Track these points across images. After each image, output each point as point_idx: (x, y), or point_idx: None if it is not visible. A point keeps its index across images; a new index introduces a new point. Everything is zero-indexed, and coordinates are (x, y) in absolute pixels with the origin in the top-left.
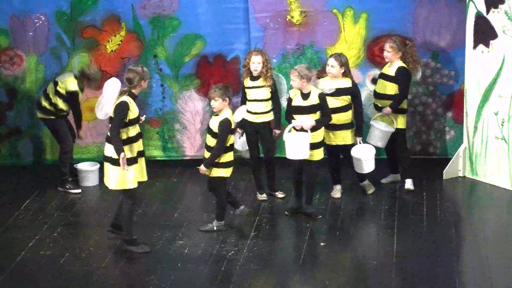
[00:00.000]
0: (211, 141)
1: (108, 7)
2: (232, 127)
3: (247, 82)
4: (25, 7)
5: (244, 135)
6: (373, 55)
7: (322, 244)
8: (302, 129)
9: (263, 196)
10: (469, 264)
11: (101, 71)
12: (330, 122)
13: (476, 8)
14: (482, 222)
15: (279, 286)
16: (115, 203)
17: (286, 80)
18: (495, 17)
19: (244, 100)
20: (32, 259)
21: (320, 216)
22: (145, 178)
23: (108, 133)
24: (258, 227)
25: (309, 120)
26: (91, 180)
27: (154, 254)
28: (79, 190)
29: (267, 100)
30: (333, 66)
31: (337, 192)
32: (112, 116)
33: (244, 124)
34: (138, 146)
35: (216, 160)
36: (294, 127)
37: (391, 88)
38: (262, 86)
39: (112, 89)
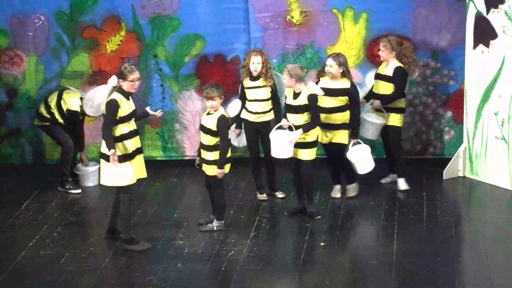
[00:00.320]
0: (208, 140)
1: (108, 7)
2: (230, 123)
3: (247, 83)
4: (25, 7)
5: (244, 135)
6: (373, 55)
7: (322, 244)
8: (290, 129)
9: (263, 196)
10: (469, 264)
11: (101, 71)
12: (327, 122)
13: (476, 8)
14: (482, 222)
15: (279, 286)
16: None
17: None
18: (495, 17)
19: (242, 101)
20: (32, 259)
21: (319, 217)
22: (145, 174)
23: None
24: (258, 227)
25: (297, 132)
26: (91, 180)
27: (154, 254)
28: (79, 190)
29: (267, 100)
30: (331, 66)
31: (337, 192)
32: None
33: (243, 124)
34: (134, 143)
35: (211, 159)
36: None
37: (387, 88)
38: (262, 86)
39: (102, 87)
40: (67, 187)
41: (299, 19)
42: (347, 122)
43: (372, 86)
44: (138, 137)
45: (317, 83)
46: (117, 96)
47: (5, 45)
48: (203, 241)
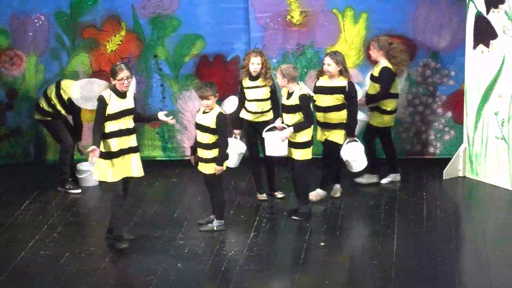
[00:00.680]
0: (208, 138)
1: (108, 7)
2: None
3: (246, 82)
4: (25, 7)
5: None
6: None
7: (322, 244)
8: (283, 129)
9: (263, 196)
10: (469, 264)
11: (101, 71)
12: (324, 121)
13: (476, 8)
14: (482, 222)
15: (279, 286)
16: None
17: None
18: (495, 17)
19: (241, 101)
20: (32, 259)
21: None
22: (135, 174)
23: None
24: (258, 227)
25: (288, 129)
26: (91, 180)
27: (154, 254)
28: (79, 190)
29: (266, 100)
30: (329, 65)
31: (336, 191)
32: None
33: (243, 124)
34: (124, 142)
35: (210, 157)
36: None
37: (376, 89)
38: (262, 86)
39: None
40: (67, 186)
41: (299, 19)
42: (344, 121)
43: (368, 86)
44: (131, 136)
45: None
46: (107, 93)
47: (5, 45)
48: (203, 241)
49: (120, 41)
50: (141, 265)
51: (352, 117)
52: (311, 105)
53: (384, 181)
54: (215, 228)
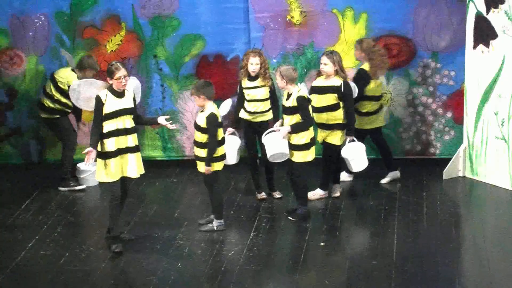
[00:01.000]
0: (200, 137)
1: (108, 7)
2: (219, 120)
3: (245, 83)
4: (25, 7)
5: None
6: None
7: (322, 244)
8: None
9: (262, 195)
10: (469, 264)
11: (101, 71)
12: (319, 121)
13: (476, 8)
14: (482, 222)
15: (279, 286)
16: None
17: None
18: (495, 17)
19: (240, 101)
20: (32, 259)
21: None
22: (130, 174)
23: None
24: (258, 227)
25: (284, 128)
26: (91, 180)
27: (154, 254)
28: (84, 186)
29: (265, 100)
30: (326, 64)
31: (336, 191)
32: None
33: (242, 124)
34: (121, 141)
35: (203, 156)
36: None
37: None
38: (261, 86)
39: (93, 81)
40: (71, 184)
41: (299, 19)
42: (341, 122)
43: None
44: (129, 136)
45: None
46: (103, 93)
47: (5, 45)
48: (203, 241)
49: (120, 41)
50: (141, 265)
51: (350, 116)
52: (309, 106)
53: (384, 181)
54: (215, 228)
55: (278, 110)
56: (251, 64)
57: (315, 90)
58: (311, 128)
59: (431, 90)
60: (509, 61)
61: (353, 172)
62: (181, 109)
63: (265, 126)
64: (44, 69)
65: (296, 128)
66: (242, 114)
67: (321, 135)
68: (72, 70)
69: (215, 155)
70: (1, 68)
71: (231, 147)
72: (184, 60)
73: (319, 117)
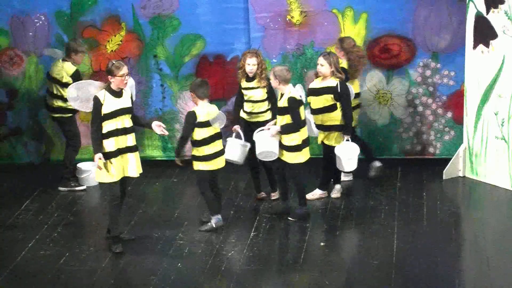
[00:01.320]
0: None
1: (108, 7)
2: (199, 120)
3: (243, 83)
4: (25, 7)
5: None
6: (373, 55)
7: (322, 244)
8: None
9: (261, 195)
10: (469, 264)
11: (101, 71)
12: (317, 123)
13: (476, 8)
14: (482, 222)
15: (279, 286)
16: None
17: None
18: (495, 17)
19: (239, 101)
20: (32, 259)
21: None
22: (131, 174)
23: None
24: (258, 227)
25: (274, 127)
26: (92, 180)
27: (154, 254)
28: (84, 187)
29: (262, 101)
30: (322, 65)
31: (336, 192)
32: None
33: (242, 124)
34: (121, 141)
35: (194, 154)
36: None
37: None
38: (258, 87)
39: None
40: (72, 184)
41: (299, 19)
42: (338, 123)
43: None
44: (128, 135)
45: None
46: (101, 93)
47: (5, 45)
48: (203, 241)
49: (120, 41)
50: (141, 265)
51: (347, 116)
52: (301, 108)
53: (371, 174)
54: (214, 225)
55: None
56: (248, 64)
57: (312, 92)
58: (304, 130)
59: (431, 90)
60: (509, 61)
61: (350, 172)
62: (181, 109)
63: (262, 126)
64: (44, 69)
65: (285, 129)
66: (242, 114)
67: (320, 136)
68: (63, 60)
69: (200, 154)
70: (2, 68)
71: (236, 147)
72: (184, 60)
73: (317, 119)
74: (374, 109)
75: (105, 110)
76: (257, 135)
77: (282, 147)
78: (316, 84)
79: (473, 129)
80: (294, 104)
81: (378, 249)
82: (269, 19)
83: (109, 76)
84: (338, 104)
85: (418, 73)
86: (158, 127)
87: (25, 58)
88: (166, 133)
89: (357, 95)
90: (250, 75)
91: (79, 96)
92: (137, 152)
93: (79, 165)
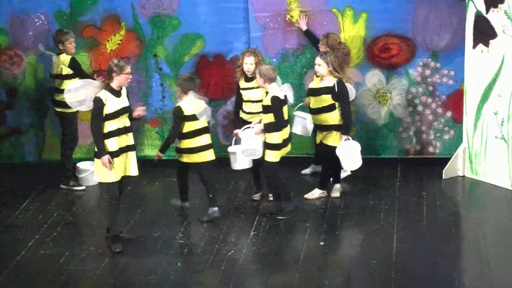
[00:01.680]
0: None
1: (107, 6)
2: (185, 114)
3: (242, 83)
4: (25, 6)
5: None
6: (372, 55)
7: (321, 243)
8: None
9: (255, 197)
10: (469, 264)
11: (101, 70)
12: (315, 122)
13: (475, 7)
14: (481, 221)
15: (278, 285)
16: None
17: (282, 80)
18: (495, 17)
19: (238, 102)
20: (32, 259)
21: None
22: (132, 173)
23: None
24: (258, 226)
25: (258, 125)
26: (91, 180)
27: (154, 254)
28: (84, 187)
29: (261, 101)
30: (320, 65)
31: (336, 191)
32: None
33: (241, 124)
34: (122, 140)
35: (179, 147)
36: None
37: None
38: (256, 87)
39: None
40: (71, 183)
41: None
42: (337, 123)
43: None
44: (128, 134)
45: None
46: (103, 93)
47: (5, 45)
48: (203, 240)
49: (120, 40)
50: (141, 265)
51: (345, 116)
52: (284, 108)
53: (306, 171)
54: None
55: None
56: (246, 63)
57: (310, 92)
58: (286, 130)
59: (430, 90)
60: (509, 60)
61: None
62: None
63: None
64: (44, 68)
65: (268, 128)
66: (241, 114)
67: (319, 136)
68: (58, 54)
69: (183, 147)
70: (1, 68)
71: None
72: (184, 60)
73: (316, 119)
74: (373, 108)
75: (108, 110)
76: (242, 133)
77: (264, 145)
78: (315, 84)
79: (473, 129)
80: (277, 103)
81: (377, 248)
82: (269, 19)
83: (113, 74)
84: (337, 104)
85: (417, 72)
86: (137, 112)
87: (25, 57)
88: (143, 109)
89: None
90: (248, 74)
91: (77, 96)
92: (135, 151)
93: (79, 164)
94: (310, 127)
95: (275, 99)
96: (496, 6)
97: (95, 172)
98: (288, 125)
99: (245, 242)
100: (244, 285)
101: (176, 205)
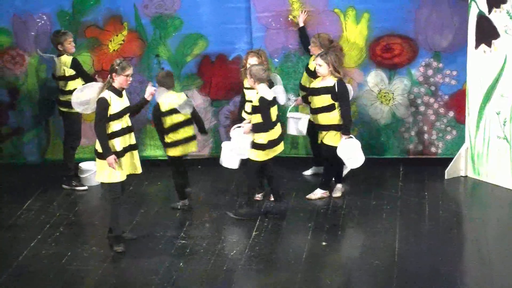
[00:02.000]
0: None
1: (110, 6)
2: (163, 110)
3: (246, 83)
4: (27, 7)
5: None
6: (375, 55)
7: (323, 243)
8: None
9: (257, 196)
10: (471, 264)
11: (103, 70)
12: (316, 122)
13: (478, 8)
14: (484, 221)
15: (280, 286)
16: None
17: (283, 80)
18: (497, 17)
19: (243, 101)
20: (34, 258)
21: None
22: (137, 171)
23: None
24: (260, 226)
25: (247, 125)
26: (93, 180)
27: (156, 254)
28: (86, 187)
29: None
30: (320, 65)
31: (337, 191)
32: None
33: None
34: (126, 140)
35: (165, 141)
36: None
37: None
38: None
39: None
40: (73, 183)
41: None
42: (337, 123)
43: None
44: (131, 133)
45: None
46: (107, 94)
47: (7, 45)
48: (205, 240)
49: (122, 40)
50: (143, 265)
51: (345, 116)
52: (272, 109)
53: (308, 172)
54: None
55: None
56: (249, 64)
57: (311, 91)
58: (274, 131)
59: (433, 90)
60: (511, 61)
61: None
62: None
63: None
64: (46, 68)
65: (256, 128)
66: (243, 114)
67: (320, 136)
68: (58, 56)
69: (169, 141)
70: (4, 68)
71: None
72: (186, 60)
73: (316, 118)
74: (376, 108)
75: (112, 110)
76: (233, 132)
77: (251, 144)
78: (315, 84)
79: (475, 129)
80: (264, 104)
81: (380, 248)
82: (271, 19)
83: (114, 74)
84: (337, 104)
85: (420, 72)
86: (149, 90)
87: (27, 57)
88: (153, 91)
89: None
90: None
91: (80, 98)
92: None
93: (81, 164)
94: (304, 127)
95: (262, 99)
96: (498, 6)
97: (98, 173)
98: (277, 127)
99: (247, 242)
100: (246, 286)
101: (176, 206)
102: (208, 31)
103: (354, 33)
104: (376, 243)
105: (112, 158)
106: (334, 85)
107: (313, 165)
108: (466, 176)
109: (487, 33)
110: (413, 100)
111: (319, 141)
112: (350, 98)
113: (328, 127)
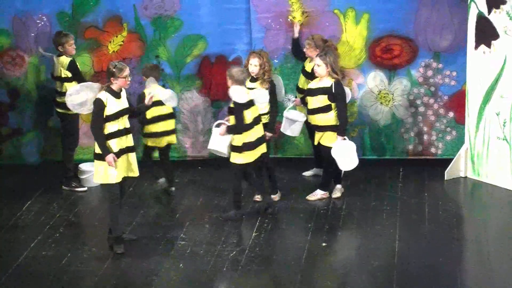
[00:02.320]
0: None
1: (110, 7)
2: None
3: (248, 83)
4: (27, 8)
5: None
6: (374, 56)
7: (323, 244)
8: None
9: (256, 197)
10: (471, 265)
11: (103, 71)
12: (313, 123)
13: (477, 8)
14: (483, 222)
15: (280, 286)
16: None
17: (283, 81)
18: (497, 18)
19: None
20: (34, 259)
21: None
22: (134, 173)
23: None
24: (260, 227)
25: (223, 126)
26: (93, 181)
27: (155, 255)
28: (85, 188)
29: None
30: (319, 66)
31: (337, 192)
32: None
33: None
34: (123, 141)
35: (145, 131)
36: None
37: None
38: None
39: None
40: (73, 185)
41: (300, 20)
42: (334, 124)
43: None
44: (129, 135)
45: None
46: (103, 95)
47: (7, 46)
48: (204, 241)
49: (122, 41)
50: (143, 265)
51: (341, 117)
52: (245, 112)
53: (306, 174)
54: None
55: (275, 114)
56: (250, 64)
57: (308, 92)
58: (248, 134)
59: (432, 90)
60: (511, 61)
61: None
62: (183, 110)
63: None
64: (46, 69)
65: (230, 130)
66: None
67: (317, 136)
68: (58, 56)
69: (148, 132)
70: (3, 69)
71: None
72: (185, 61)
73: (313, 119)
74: (375, 109)
75: (108, 111)
76: (213, 130)
77: (231, 147)
78: (313, 84)
79: (475, 130)
80: (237, 106)
81: (379, 249)
82: (270, 20)
83: (112, 78)
84: (333, 105)
85: (419, 73)
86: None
87: (27, 58)
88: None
89: None
90: (252, 75)
91: (78, 99)
92: (135, 152)
93: (81, 165)
94: (297, 129)
95: (234, 102)
96: (498, 7)
97: (95, 174)
98: (254, 129)
99: (247, 243)
100: (246, 286)
101: (161, 185)
102: (208, 32)
103: (354, 34)
104: (376, 244)
105: (111, 156)
106: (331, 86)
107: (314, 167)
108: (466, 176)
109: (486, 33)
110: (413, 101)
111: (316, 142)
112: (347, 101)
113: (325, 128)
